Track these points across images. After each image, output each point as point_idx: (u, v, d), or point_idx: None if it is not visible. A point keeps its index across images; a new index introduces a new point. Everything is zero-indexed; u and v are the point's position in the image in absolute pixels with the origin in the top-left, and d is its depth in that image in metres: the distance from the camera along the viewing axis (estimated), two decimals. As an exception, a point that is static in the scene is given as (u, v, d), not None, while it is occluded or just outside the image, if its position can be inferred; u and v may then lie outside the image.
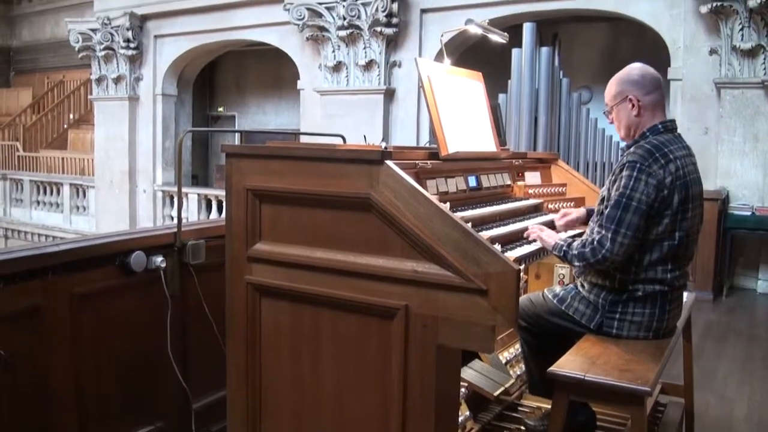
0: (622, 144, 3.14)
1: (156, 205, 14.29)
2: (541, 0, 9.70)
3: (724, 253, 7.92)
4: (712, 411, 4.43)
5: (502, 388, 3.46)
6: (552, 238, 3.04)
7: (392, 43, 10.87)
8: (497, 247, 2.33)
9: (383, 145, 2.64)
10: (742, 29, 8.01)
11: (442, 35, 3.90)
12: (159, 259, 3.35)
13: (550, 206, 3.82)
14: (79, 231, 14.70)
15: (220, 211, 12.75)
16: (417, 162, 2.88)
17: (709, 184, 7.90)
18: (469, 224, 2.34)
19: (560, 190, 4.11)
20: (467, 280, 2.24)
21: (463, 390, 3.14)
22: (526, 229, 3.17)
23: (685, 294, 3.19)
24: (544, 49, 9.13)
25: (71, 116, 19.95)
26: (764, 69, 8.01)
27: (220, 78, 16.98)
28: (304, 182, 2.60)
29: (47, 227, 16.09)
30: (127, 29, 13.70)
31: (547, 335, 3.14)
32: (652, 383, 2.48)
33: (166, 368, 3.39)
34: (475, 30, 3.96)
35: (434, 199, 2.36)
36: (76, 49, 14.61)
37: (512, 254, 2.86)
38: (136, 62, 14.16)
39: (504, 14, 9.85)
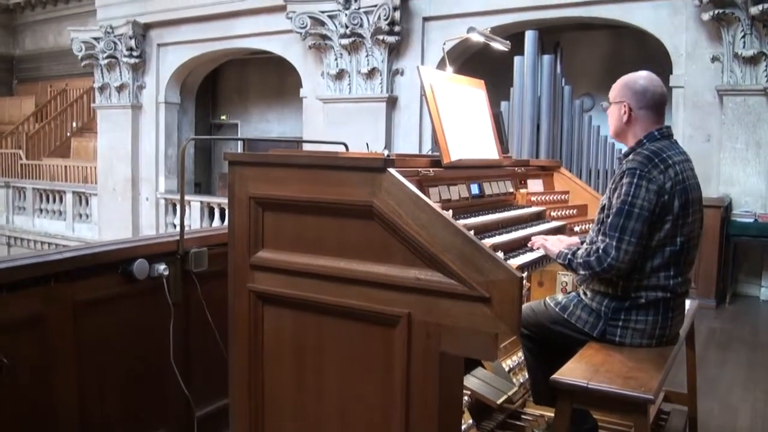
0: (612, 140, 3.16)
1: (159, 212, 14.30)
2: (542, 8, 9.70)
3: (726, 261, 7.90)
4: (716, 419, 4.42)
5: (505, 396, 3.45)
6: (556, 246, 3.05)
7: (394, 51, 10.89)
8: (500, 254, 2.33)
9: (386, 152, 2.64)
10: (743, 36, 8.02)
11: (444, 43, 3.90)
12: (162, 267, 3.35)
13: (552, 214, 3.82)
14: (81, 239, 14.71)
15: (222, 218, 12.76)
16: (419, 170, 2.88)
17: (711, 192, 7.91)
18: (472, 232, 2.34)
19: (563, 197, 4.11)
20: (470, 288, 2.24)
21: (466, 398, 3.13)
22: (529, 236, 3.17)
23: (687, 301, 3.18)
24: (546, 57, 9.15)
25: (74, 124, 19.98)
26: (766, 76, 8.01)
27: (222, 86, 17.01)
28: (307, 190, 2.60)
29: (50, 235, 16.11)
30: (130, 38, 13.73)
31: (549, 343, 3.14)
32: (656, 391, 2.47)
33: (168, 376, 3.39)
34: (477, 38, 3.97)
35: (437, 206, 2.36)
36: (79, 57, 14.64)
37: (515, 262, 2.86)
38: (138, 70, 14.19)
39: (506, 22, 9.86)
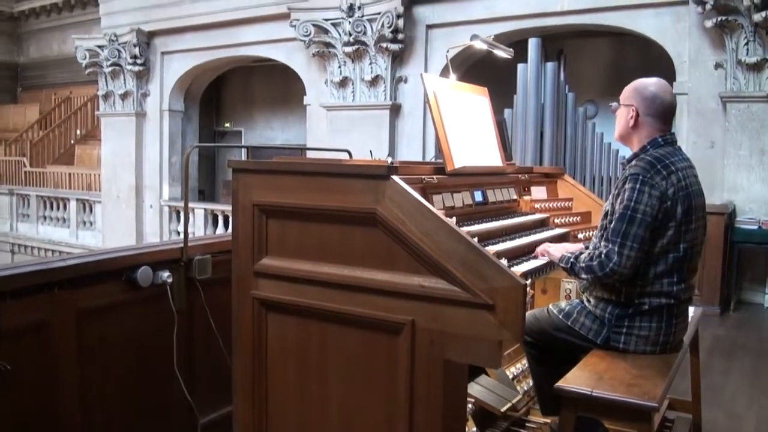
0: (615, 144, 3.15)
1: (162, 220, 14.32)
2: (546, 15, 9.71)
3: (731, 268, 7.88)
4: (720, 427, 4.40)
5: (510, 404, 3.45)
6: (559, 251, 3.06)
7: (398, 59, 10.90)
8: (504, 261, 2.33)
9: (389, 160, 2.64)
10: (747, 43, 8.01)
11: (447, 51, 3.93)
12: (165, 274, 3.35)
13: (556, 221, 3.82)
14: (85, 246, 14.72)
15: (226, 226, 12.76)
16: (423, 177, 2.88)
17: (715, 198, 7.90)
18: (476, 239, 2.34)
19: (566, 204, 4.11)
20: (474, 295, 2.24)
21: (470, 406, 3.13)
22: (533, 243, 3.18)
23: (692, 308, 3.18)
24: (550, 64, 9.15)
25: (78, 132, 20.01)
26: (770, 83, 8.02)
27: (227, 94, 17.04)
28: (311, 197, 2.60)
29: (54, 242, 16.12)
30: (134, 46, 13.77)
31: (553, 351, 3.13)
32: (660, 399, 2.47)
33: (172, 383, 3.39)
34: (480, 45, 3.98)
35: (440, 213, 2.37)
36: (83, 65, 14.68)
37: (519, 269, 2.86)
38: (143, 78, 14.23)
39: (509, 30, 9.87)
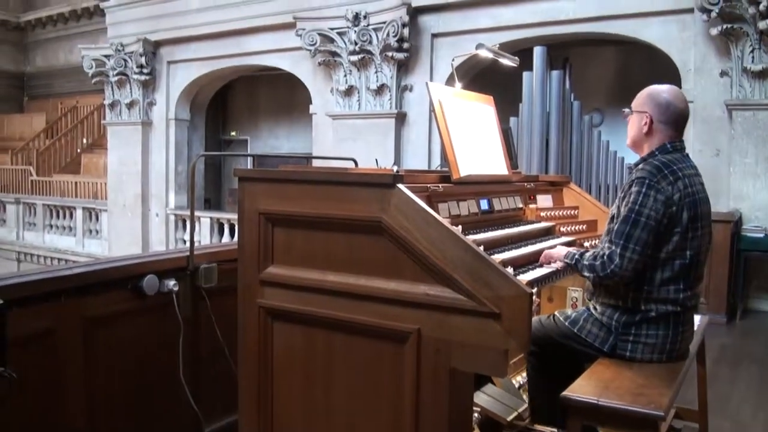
0: (621, 152, 3.16)
1: (168, 228, 14.34)
2: (551, 24, 9.72)
3: (737, 276, 7.85)
4: (728, 436, 4.39)
5: (516, 413, 3.44)
6: (563, 250, 3.06)
7: (403, 68, 10.92)
8: (509, 270, 2.33)
9: (395, 168, 2.65)
10: (752, 51, 8.00)
11: (453, 59, 3.93)
12: (171, 283, 3.36)
13: (562, 229, 3.81)
14: (91, 254, 14.75)
15: (232, 234, 12.78)
16: (429, 185, 2.88)
17: (721, 206, 7.87)
18: (481, 247, 2.34)
19: (572, 212, 4.11)
20: (479, 304, 2.24)
21: (475, 415, 3.12)
22: (539, 251, 3.17)
23: (698, 317, 3.17)
24: (555, 73, 9.15)
25: (84, 141, 20.09)
26: (775, 91, 8.00)
27: (232, 102, 17.08)
28: (316, 206, 2.60)
29: (60, 251, 16.16)
30: (141, 55, 13.81)
31: (555, 360, 3.12)
32: (666, 408, 2.46)
33: (177, 392, 3.39)
34: (485, 54, 3.98)
35: (446, 222, 2.37)
36: (90, 74, 14.73)
37: (525, 277, 2.85)
38: (149, 87, 14.27)
39: (514, 38, 9.88)
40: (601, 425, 2.98)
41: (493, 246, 3.05)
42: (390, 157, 10.56)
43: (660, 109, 2.97)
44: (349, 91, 11.28)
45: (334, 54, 11.20)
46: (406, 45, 10.60)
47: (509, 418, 3.38)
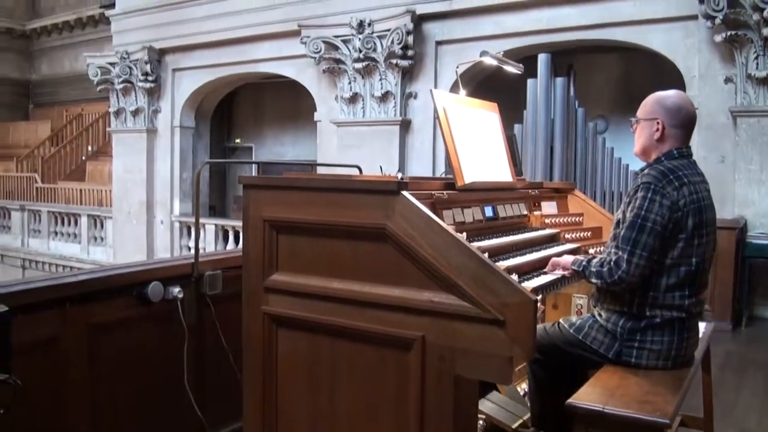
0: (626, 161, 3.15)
1: (173, 235, 14.35)
2: (555, 31, 9.73)
3: (742, 283, 7.83)
4: (733, 443, 4.37)
5: (521, 421, 3.43)
6: (570, 257, 3.06)
7: (408, 75, 10.93)
8: (514, 277, 2.32)
9: (399, 175, 2.65)
10: (757, 58, 8.00)
11: (457, 67, 3.93)
12: (176, 290, 3.36)
13: (566, 236, 3.81)
14: (96, 261, 14.77)
15: (237, 241, 12.78)
16: (433, 192, 2.88)
17: (726, 213, 7.86)
18: (486, 254, 2.34)
19: (577, 219, 4.10)
20: (484, 311, 2.24)
21: (480, 422, 3.12)
22: (543, 258, 3.17)
23: (703, 324, 3.16)
24: (559, 80, 9.15)
25: (89, 148, 20.15)
26: (780, 97, 8.00)
27: (237, 110, 17.10)
28: (321, 213, 2.61)
29: (65, 258, 16.18)
30: (146, 63, 13.85)
31: (558, 368, 3.11)
32: (672, 415, 2.45)
33: (182, 399, 3.39)
34: (490, 61, 3.98)
35: (450, 229, 2.37)
36: (95, 82, 14.76)
37: (529, 284, 2.85)
38: (154, 95, 14.30)
39: (519, 45, 9.89)
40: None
41: (498, 253, 3.05)
42: (394, 164, 10.56)
43: (671, 114, 2.96)
44: (353, 99, 11.29)
45: (339, 61, 11.22)
46: (410, 52, 10.61)
47: (514, 426, 3.37)
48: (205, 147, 14.97)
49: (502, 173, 3.53)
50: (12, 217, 17.70)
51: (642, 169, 3.00)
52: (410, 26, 10.43)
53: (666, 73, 9.25)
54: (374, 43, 10.74)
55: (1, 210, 18.22)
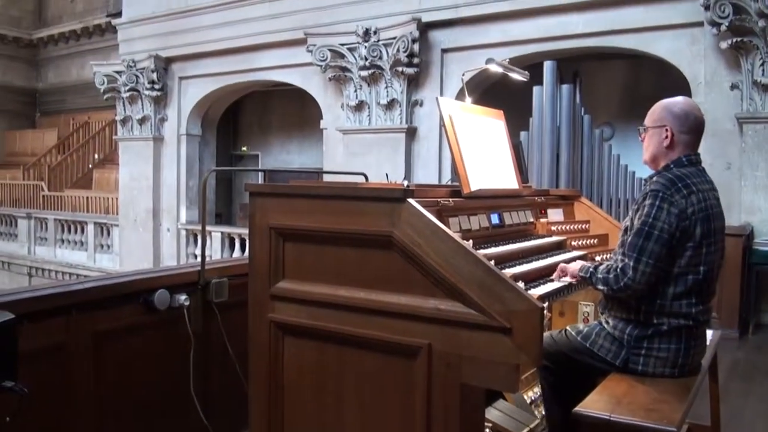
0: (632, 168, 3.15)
1: (180, 243, 14.37)
2: (561, 39, 9.73)
3: (749, 290, 7.80)
4: (741, 451, 4.35)
5: (527, 429, 3.42)
6: (577, 264, 3.05)
7: (414, 83, 10.94)
8: (521, 284, 2.32)
9: (405, 183, 2.65)
10: (762, 64, 7.98)
11: (463, 74, 3.93)
12: (182, 297, 3.36)
13: (573, 243, 3.81)
14: (103, 269, 14.79)
15: (243, 249, 12.80)
16: (439, 200, 2.88)
17: (733, 220, 7.83)
18: (492, 262, 2.34)
19: (583, 226, 4.10)
20: (490, 318, 2.23)
21: (487, 430, 3.11)
22: (550, 266, 3.17)
23: (710, 332, 3.15)
24: (565, 87, 9.16)
25: (96, 156, 20.22)
26: (786, 104, 7.98)
27: (243, 118, 17.14)
28: (327, 220, 2.61)
29: (71, 265, 16.21)
30: (152, 71, 13.88)
31: (568, 374, 3.11)
32: (678, 423, 2.44)
33: (188, 406, 3.38)
34: (495, 69, 3.99)
35: (457, 236, 2.37)
36: (102, 90, 14.81)
37: (536, 292, 2.85)
38: (160, 103, 14.34)
39: (524, 53, 9.89)
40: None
41: (504, 260, 3.04)
42: (400, 171, 10.56)
43: (680, 121, 2.95)
44: (359, 106, 11.30)
45: (345, 69, 11.23)
46: (416, 60, 10.62)
47: (521, 434, 3.36)
48: (211, 155, 15.00)
49: (508, 180, 3.53)
50: (19, 225, 17.76)
51: (650, 177, 2.99)
52: (416, 34, 10.44)
53: (672, 80, 9.24)
54: (380, 51, 10.75)
55: (7, 218, 18.29)
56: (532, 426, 3.45)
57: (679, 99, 3.02)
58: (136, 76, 14.15)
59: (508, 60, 4.12)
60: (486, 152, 3.37)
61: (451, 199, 2.96)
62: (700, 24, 8.54)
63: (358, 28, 10.83)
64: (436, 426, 2.39)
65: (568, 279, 3.09)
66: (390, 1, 10.84)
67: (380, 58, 10.78)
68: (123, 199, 15.15)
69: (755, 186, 8.15)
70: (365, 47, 10.81)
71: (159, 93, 14.12)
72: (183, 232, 14.33)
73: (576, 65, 10.36)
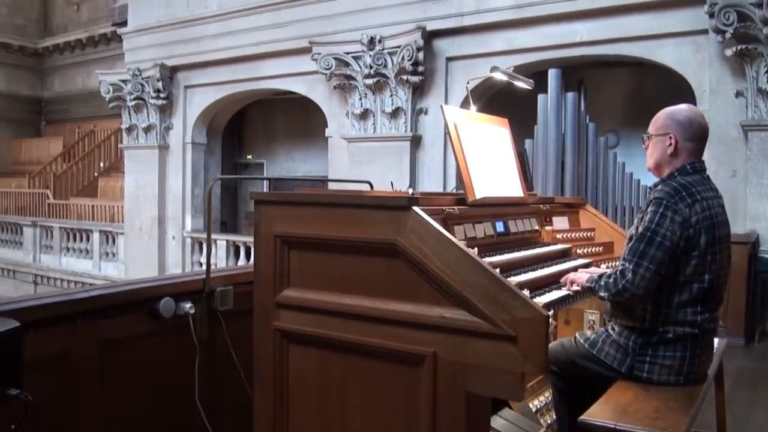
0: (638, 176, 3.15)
1: (185, 251, 14.38)
2: (565, 47, 9.73)
3: (755, 298, 7.77)
4: (747, 460, 4.33)
5: (532, 437, 3.41)
6: (585, 274, 3.05)
7: (418, 91, 10.95)
8: (526, 292, 2.32)
9: (410, 191, 2.65)
10: (767, 72, 7.98)
11: (467, 82, 3.95)
12: (188, 306, 3.36)
13: (578, 251, 3.80)
14: (108, 277, 14.81)
15: (248, 257, 12.78)
16: (444, 208, 2.88)
17: (738, 228, 7.80)
18: (497, 270, 2.33)
19: (588, 234, 4.10)
20: (496, 327, 2.23)
21: (492, 438, 3.10)
22: (555, 274, 3.17)
23: (716, 340, 3.14)
24: (570, 95, 9.16)
25: (101, 164, 20.27)
26: (792, 111, 7.96)
27: (248, 126, 17.16)
28: (332, 228, 2.61)
29: (77, 273, 16.24)
30: (158, 80, 13.93)
31: (578, 381, 3.11)
32: (684, 432, 2.43)
33: (193, 415, 3.38)
34: (500, 77, 3.99)
35: (462, 244, 2.37)
36: (107, 99, 14.86)
37: (541, 300, 2.84)
38: (166, 112, 14.37)
39: (529, 61, 9.89)
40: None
41: (509, 268, 3.04)
42: (405, 179, 10.55)
43: (684, 128, 2.95)
44: (364, 115, 11.31)
45: (350, 78, 11.25)
46: (420, 68, 10.63)
47: (526, 442, 3.35)
48: (216, 163, 15.03)
49: (513, 188, 3.53)
50: (24, 233, 17.80)
51: (655, 185, 3.00)
52: (421, 42, 10.46)
53: (677, 88, 9.23)
54: (385, 60, 10.77)
55: (13, 226, 18.34)
56: (537, 434, 3.44)
57: (683, 106, 3.02)
58: (142, 85, 14.19)
59: (512, 68, 4.12)
60: (491, 160, 3.37)
61: (456, 207, 2.96)
62: (704, 32, 8.53)
63: (363, 37, 10.85)
64: (442, 434, 2.39)
65: (576, 287, 3.09)
66: (395, 9, 10.86)
67: (385, 66, 10.79)
68: (128, 207, 15.18)
69: (761, 194, 8.13)
70: (370, 56, 10.83)
71: (164, 102, 14.16)
72: (188, 240, 14.35)
73: (581, 73, 10.36)
